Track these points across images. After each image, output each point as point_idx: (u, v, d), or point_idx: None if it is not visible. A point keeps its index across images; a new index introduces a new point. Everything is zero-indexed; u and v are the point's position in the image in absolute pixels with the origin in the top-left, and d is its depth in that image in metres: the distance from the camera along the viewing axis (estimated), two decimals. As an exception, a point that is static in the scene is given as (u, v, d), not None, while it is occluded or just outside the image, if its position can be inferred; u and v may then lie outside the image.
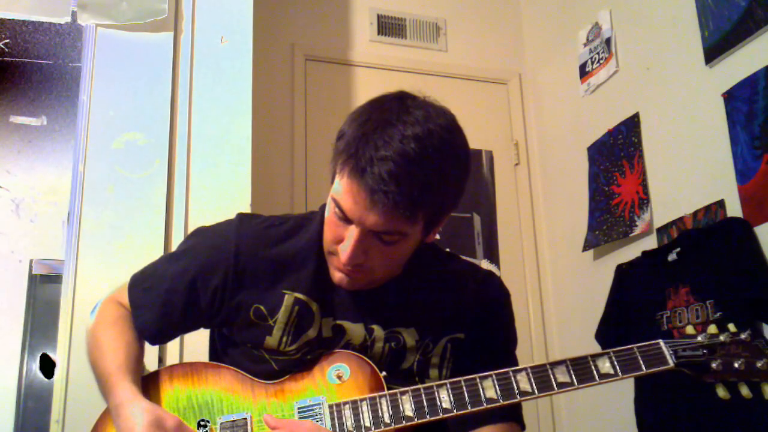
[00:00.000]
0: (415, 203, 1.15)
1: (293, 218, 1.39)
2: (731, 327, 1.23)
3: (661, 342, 1.22)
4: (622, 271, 2.62)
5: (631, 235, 2.67)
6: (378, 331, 1.31)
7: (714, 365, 1.19)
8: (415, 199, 1.14)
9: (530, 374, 1.20)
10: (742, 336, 1.21)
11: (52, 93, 2.75)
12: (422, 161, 1.14)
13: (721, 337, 1.21)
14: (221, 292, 1.31)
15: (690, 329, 1.26)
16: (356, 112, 1.23)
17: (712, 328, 1.24)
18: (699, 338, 1.23)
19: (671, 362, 1.20)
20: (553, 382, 1.19)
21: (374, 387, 1.24)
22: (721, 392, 1.19)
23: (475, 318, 1.37)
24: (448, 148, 1.19)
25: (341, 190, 1.18)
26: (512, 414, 1.34)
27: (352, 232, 1.19)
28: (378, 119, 1.17)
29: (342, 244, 1.21)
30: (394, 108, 1.19)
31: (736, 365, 1.18)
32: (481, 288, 1.41)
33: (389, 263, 1.27)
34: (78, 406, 2.00)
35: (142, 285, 1.37)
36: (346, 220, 1.19)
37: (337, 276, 1.27)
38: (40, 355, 2.53)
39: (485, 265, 3.22)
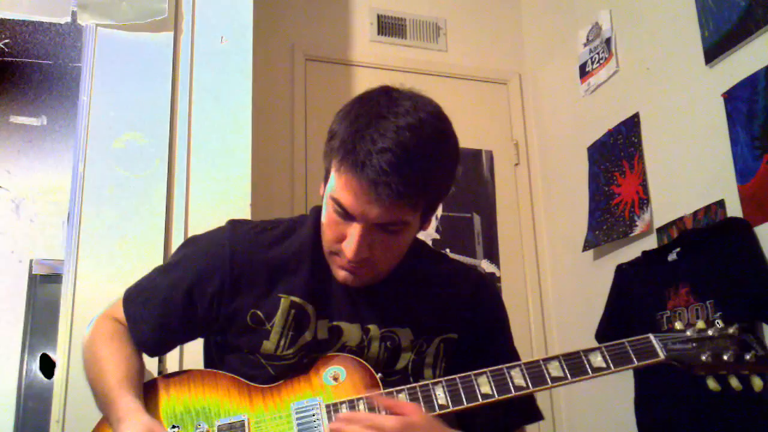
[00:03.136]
0: (417, 191, 1.17)
1: (284, 222, 1.39)
2: (718, 322, 1.24)
3: (651, 336, 1.24)
4: (622, 271, 2.62)
5: (631, 235, 2.67)
6: (374, 331, 1.32)
7: (704, 358, 1.20)
8: (417, 187, 1.16)
9: (524, 370, 1.21)
10: (730, 330, 1.23)
11: (52, 93, 2.75)
12: (419, 149, 1.16)
13: (710, 332, 1.23)
14: (218, 298, 1.31)
15: (678, 325, 1.28)
16: (344, 110, 1.25)
17: (700, 324, 1.25)
18: (688, 333, 1.24)
19: (662, 355, 1.21)
20: (547, 377, 1.20)
21: (370, 387, 1.24)
22: (712, 384, 1.21)
23: (468, 319, 1.38)
24: (440, 134, 1.22)
25: (341, 188, 1.18)
26: (533, 413, 1.38)
27: (355, 228, 1.20)
28: (369, 114, 1.19)
29: (346, 241, 1.22)
30: (382, 101, 1.20)
31: (725, 357, 1.19)
32: (475, 289, 1.42)
33: (392, 254, 1.28)
34: (78, 406, 2.00)
35: (137, 298, 1.37)
36: (348, 216, 1.20)
37: (341, 275, 1.28)
38: (40, 355, 2.53)
39: (485, 265, 3.22)
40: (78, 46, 2.61)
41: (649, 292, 2.46)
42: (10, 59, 2.71)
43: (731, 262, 2.18)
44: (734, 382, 1.19)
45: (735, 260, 2.17)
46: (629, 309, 2.55)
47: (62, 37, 2.70)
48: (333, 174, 1.21)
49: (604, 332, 2.65)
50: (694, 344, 1.22)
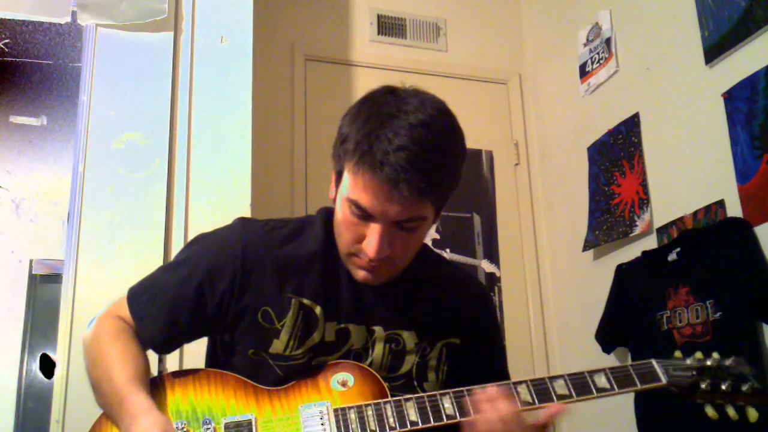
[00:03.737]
0: (434, 185, 1.19)
1: (292, 221, 1.39)
2: (715, 355, 1.28)
3: (653, 361, 1.27)
4: (622, 271, 2.62)
5: (631, 235, 2.67)
6: (379, 332, 1.32)
7: (703, 386, 1.24)
8: (434, 181, 1.18)
9: (530, 386, 1.23)
10: (727, 362, 1.26)
11: (52, 93, 2.75)
12: (432, 144, 1.18)
13: (708, 362, 1.27)
14: (229, 295, 1.30)
15: (678, 353, 1.31)
16: (351, 113, 1.25)
17: (698, 354, 1.29)
18: (687, 361, 1.28)
19: (664, 380, 1.25)
20: (553, 394, 1.23)
21: (378, 395, 1.25)
22: (710, 412, 1.25)
23: (470, 325, 1.40)
24: (450, 128, 1.24)
25: (358, 189, 1.19)
26: None
27: (375, 228, 1.21)
28: (379, 114, 1.20)
29: (366, 241, 1.22)
30: (390, 101, 1.22)
31: (723, 387, 1.23)
32: (475, 297, 1.46)
33: (411, 250, 1.29)
34: (78, 406, 2.00)
35: (143, 296, 1.35)
36: (367, 216, 1.21)
37: (361, 274, 1.28)
38: (40, 355, 2.53)
39: (485, 265, 3.22)
40: (78, 46, 2.61)
41: (649, 292, 2.46)
42: (10, 59, 2.71)
43: (731, 262, 2.18)
44: (731, 412, 1.23)
45: (735, 260, 2.17)
46: (629, 309, 2.55)
47: (62, 37, 2.70)
48: (348, 176, 1.21)
49: (603, 332, 2.65)
50: (693, 372, 1.26)
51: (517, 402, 1.20)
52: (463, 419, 1.20)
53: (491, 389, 1.21)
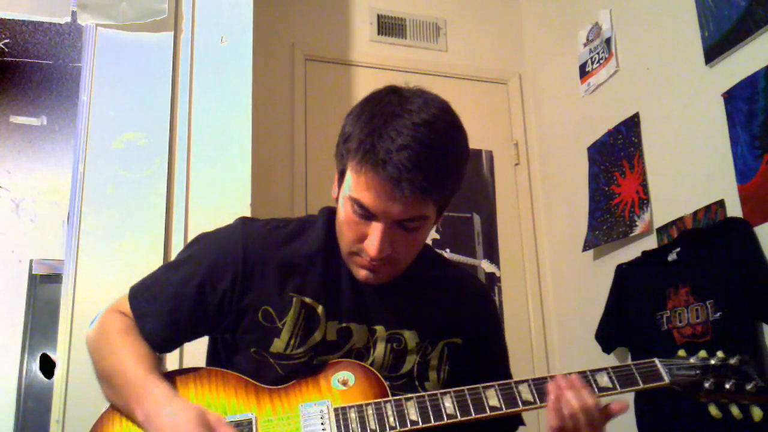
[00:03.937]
0: (437, 185, 1.19)
1: (294, 221, 1.40)
2: (720, 353, 1.27)
3: (657, 360, 1.27)
4: (622, 271, 2.62)
5: (631, 235, 2.67)
6: (381, 331, 1.33)
7: (707, 385, 1.24)
8: (436, 181, 1.18)
9: (532, 385, 1.23)
10: (731, 361, 1.26)
11: (52, 93, 2.75)
12: (436, 144, 1.18)
13: (712, 361, 1.27)
14: (230, 294, 1.30)
15: (682, 352, 1.31)
16: (355, 113, 1.25)
17: (703, 353, 1.29)
18: (691, 360, 1.28)
19: (666, 379, 1.25)
20: None
21: (379, 395, 1.25)
22: (714, 411, 1.24)
23: (471, 326, 1.40)
24: (453, 128, 1.24)
25: (361, 188, 1.19)
26: (518, 420, 1.39)
27: (377, 227, 1.21)
28: (383, 113, 1.20)
29: (368, 240, 1.22)
30: (393, 100, 1.22)
31: (727, 386, 1.23)
32: (476, 297, 1.46)
33: (412, 249, 1.29)
34: (78, 406, 2.00)
35: (144, 295, 1.35)
36: (369, 215, 1.21)
37: (362, 274, 1.28)
38: (40, 355, 2.53)
39: (485, 265, 3.22)
40: (78, 46, 2.61)
41: (649, 292, 2.46)
42: (10, 59, 2.71)
43: (731, 262, 2.18)
44: (735, 411, 1.23)
45: (735, 260, 2.17)
46: (629, 309, 2.55)
47: (62, 37, 2.70)
48: (350, 175, 1.22)
49: (603, 332, 2.65)
50: (697, 371, 1.25)
51: (595, 392, 1.21)
52: (463, 419, 1.20)
53: (572, 377, 1.22)
